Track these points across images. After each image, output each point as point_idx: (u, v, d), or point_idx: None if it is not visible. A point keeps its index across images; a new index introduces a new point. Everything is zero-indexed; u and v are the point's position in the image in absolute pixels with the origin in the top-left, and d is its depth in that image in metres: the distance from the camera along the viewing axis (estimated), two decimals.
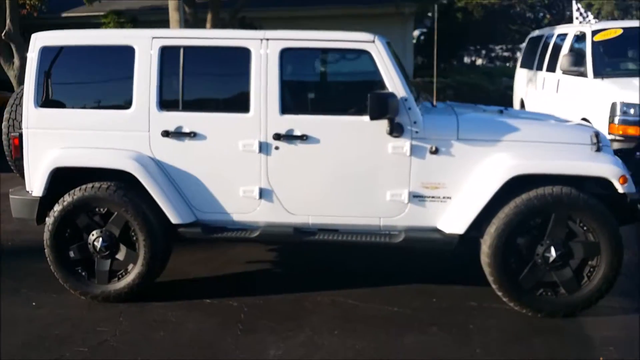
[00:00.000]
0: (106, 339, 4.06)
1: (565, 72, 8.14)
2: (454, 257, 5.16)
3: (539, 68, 9.85)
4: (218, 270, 5.31)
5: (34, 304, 4.61)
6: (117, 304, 4.53)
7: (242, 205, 4.54)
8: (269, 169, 4.47)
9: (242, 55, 4.46)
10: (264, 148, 4.44)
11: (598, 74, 7.63)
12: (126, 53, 4.55)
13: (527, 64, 10.75)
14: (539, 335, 4.09)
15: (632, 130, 6.88)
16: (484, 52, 25.56)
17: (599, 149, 4.32)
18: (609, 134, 6.84)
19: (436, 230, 4.42)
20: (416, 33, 21.12)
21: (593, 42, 7.95)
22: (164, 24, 11.40)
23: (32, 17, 13.37)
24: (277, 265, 5.52)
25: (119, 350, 3.93)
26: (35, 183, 4.61)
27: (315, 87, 4.94)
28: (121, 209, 4.48)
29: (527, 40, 11.61)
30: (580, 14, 9.16)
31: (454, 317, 4.36)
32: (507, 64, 24.05)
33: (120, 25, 14.53)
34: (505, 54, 25.35)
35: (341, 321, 4.30)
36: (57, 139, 4.60)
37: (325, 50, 4.68)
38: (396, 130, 4.30)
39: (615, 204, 4.27)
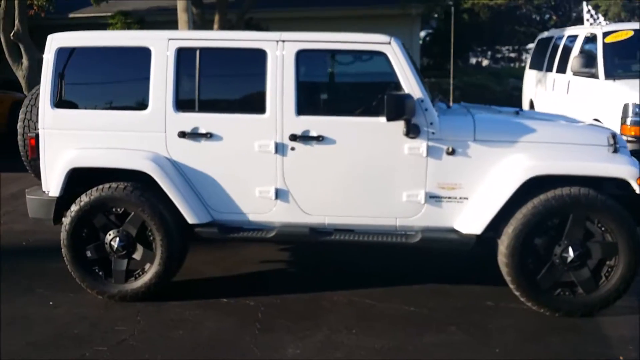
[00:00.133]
0: (125, 338, 4.07)
1: (576, 73, 8.13)
2: (468, 258, 5.17)
3: (549, 69, 9.84)
4: (233, 269, 5.33)
5: (51, 303, 4.62)
6: (134, 304, 4.55)
7: (258, 205, 4.55)
8: (285, 169, 4.48)
9: (258, 57, 4.48)
10: (280, 149, 4.46)
11: (609, 75, 7.64)
12: (142, 54, 4.57)
13: (537, 65, 10.74)
14: (558, 334, 4.09)
15: None
16: (489, 53, 25.57)
17: (616, 150, 4.32)
18: (621, 135, 6.83)
19: (453, 230, 4.42)
20: (422, 34, 21.13)
21: (604, 44, 7.96)
22: (172, 24, 11.42)
23: (39, 18, 13.39)
24: (291, 265, 5.53)
25: (139, 349, 3.94)
26: (52, 183, 4.63)
27: (331, 88, 4.94)
28: (138, 209, 4.50)
29: (536, 41, 11.61)
30: (591, 15, 9.15)
31: (470, 316, 4.36)
32: (513, 65, 24.07)
33: (128, 26, 14.55)
34: (512, 55, 25.36)
35: (358, 320, 4.31)
36: (73, 140, 4.62)
37: (340, 52, 4.68)
38: (413, 131, 4.32)
39: (632, 204, 4.28)
